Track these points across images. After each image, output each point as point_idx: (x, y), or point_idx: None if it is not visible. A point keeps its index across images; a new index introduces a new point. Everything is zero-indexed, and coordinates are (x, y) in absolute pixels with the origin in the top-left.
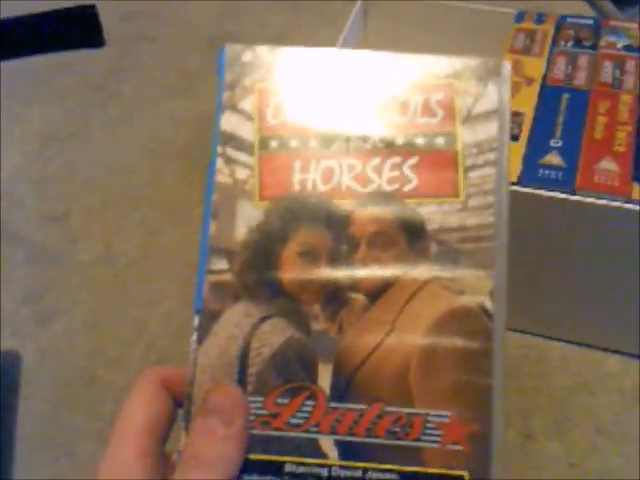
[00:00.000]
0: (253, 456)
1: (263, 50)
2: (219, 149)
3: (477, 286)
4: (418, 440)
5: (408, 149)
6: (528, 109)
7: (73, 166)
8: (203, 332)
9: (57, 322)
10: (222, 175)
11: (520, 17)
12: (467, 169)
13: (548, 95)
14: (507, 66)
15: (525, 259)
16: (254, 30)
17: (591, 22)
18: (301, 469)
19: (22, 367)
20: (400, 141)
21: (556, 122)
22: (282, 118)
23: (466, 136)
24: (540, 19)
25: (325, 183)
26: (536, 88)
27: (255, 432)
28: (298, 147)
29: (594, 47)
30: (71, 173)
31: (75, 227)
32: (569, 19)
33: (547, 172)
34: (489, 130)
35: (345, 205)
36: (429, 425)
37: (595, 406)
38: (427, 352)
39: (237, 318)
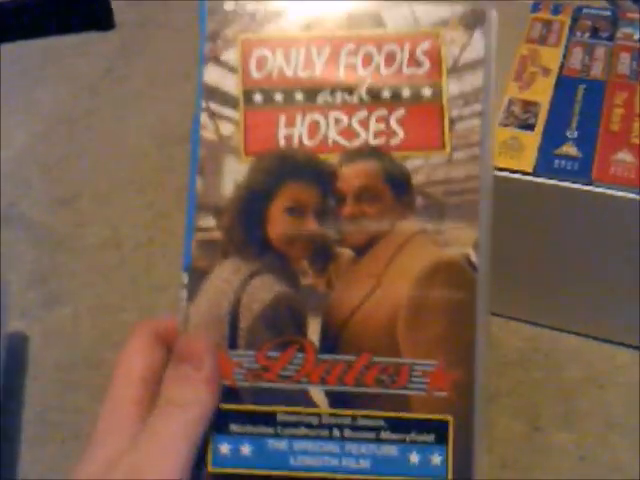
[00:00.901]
0: (246, 407)
1: (246, 2)
2: (202, 103)
3: (462, 238)
4: (405, 388)
5: (394, 101)
6: (544, 99)
7: (81, 149)
8: (193, 289)
9: (64, 305)
10: (207, 131)
11: (536, 7)
12: (453, 121)
13: (564, 85)
14: (494, 13)
15: (538, 250)
16: None
17: (608, 13)
18: (293, 418)
19: (29, 349)
20: (386, 93)
21: (572, 113)
22: (266, 70)
23: (452, 87)
24: (557, 9)
25: (311, 138)
26: (552, 78)
27: (248, 384)
28: (283, 101)
29: (611, 38)
30: (79, 156)
31: (82, 211)
32: (586, 10)
33: (563, 163)
34: (475, 80)
35: (331, 160)
36: (415, 373)
37: (605, 399)
38: (414, 304)
39: (226, 275)
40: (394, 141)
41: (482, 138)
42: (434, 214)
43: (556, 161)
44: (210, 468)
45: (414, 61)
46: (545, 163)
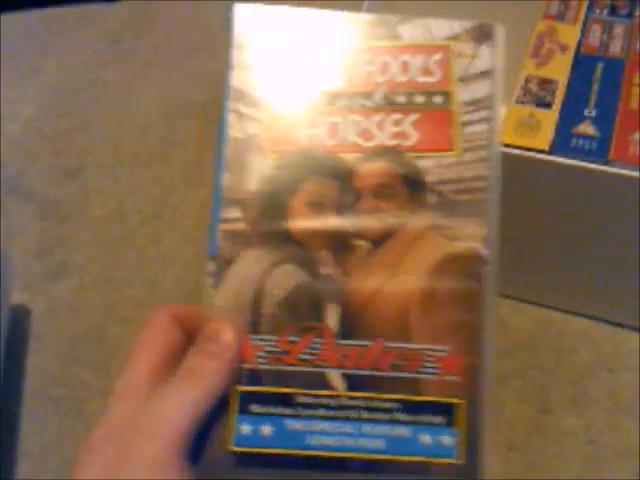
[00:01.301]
0: (267, 389)
1: (272, 9)
2: (230, 105)
3: (472, 233)
4: (418, 372)
5: (409, 107)
6: (562, 77)
7: (87, 120)
8: (218, 277)
9: (68, 278)
10: (234, 130)
11: None
12: (462, 125)
13: (582, 63)
14: (500, 29)
15: (551, 230)
16: None
17: None
18: (311, 400)
19: (32, 322)
20: (401, 99)
21: (590, 91)
22: (290, 76)
23: (462, 94)
24: None
25: (331, 138)
26: (570, 55)
27: (269, 367)
28: (305, 104)
29: (630, 16)
30: (85, 128)
31: (88, 183)
32: None
33: (580, 142)
34: (483, 89)
35: (350, 159)
36: (428, 359)
37: (615, 383)
38: (426, 293)
39: (250, 264)
40: (408, 142)
41: (489, 142)
42: (445, 210)
43: (573, 140)
44: (232, 447)
45: (427, 70)
46: (562, 142)
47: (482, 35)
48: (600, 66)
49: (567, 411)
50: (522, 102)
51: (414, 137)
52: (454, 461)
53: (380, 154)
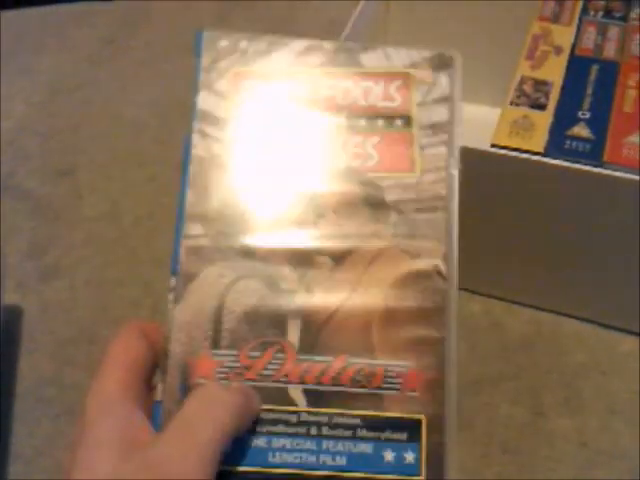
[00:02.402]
0: None
1: (239, 36)
2: (196, 125)
3: (432, 251)
4: (379, 388)
5: (370, 129)
6: (556, 78)
7: (80, 119)
8: (179, 292)
9: (61, 278)
10: (198, 149)
11: None
12: (422, 147)
13: (577, 65)
14: (459, 58)
15: (545, 232)
16: (258, 11)
17: None
18: (271, 415)
19: (24, 322)
20: (363, 122)
21: (585, 93)
22: (254, 100)
23: (421, 118)
24: None
25: (293, 159)
26: (565, 57)
27: (228, 383)
28: (268, 126)
29: (624, 19)
30: (78, 127)
31: (81, 182)
32: None
33: (574, 144)
34: (442, 114)
35: (313, 177)
36: (389, 374)
37: (608, 386)
38: (388, 310)
39: (212, 279)
40: (370, 163)
41: (448, 163)
42: (406, 228)
43: (567, 142)
44: None
45: (387, 96)
46: (556, 144)
47: (441, 64)
48: (594, 68)
49: (560, 413)
50: (516, 104)
51: (375, 158)
52: (417, 478)
53: (343, 174)
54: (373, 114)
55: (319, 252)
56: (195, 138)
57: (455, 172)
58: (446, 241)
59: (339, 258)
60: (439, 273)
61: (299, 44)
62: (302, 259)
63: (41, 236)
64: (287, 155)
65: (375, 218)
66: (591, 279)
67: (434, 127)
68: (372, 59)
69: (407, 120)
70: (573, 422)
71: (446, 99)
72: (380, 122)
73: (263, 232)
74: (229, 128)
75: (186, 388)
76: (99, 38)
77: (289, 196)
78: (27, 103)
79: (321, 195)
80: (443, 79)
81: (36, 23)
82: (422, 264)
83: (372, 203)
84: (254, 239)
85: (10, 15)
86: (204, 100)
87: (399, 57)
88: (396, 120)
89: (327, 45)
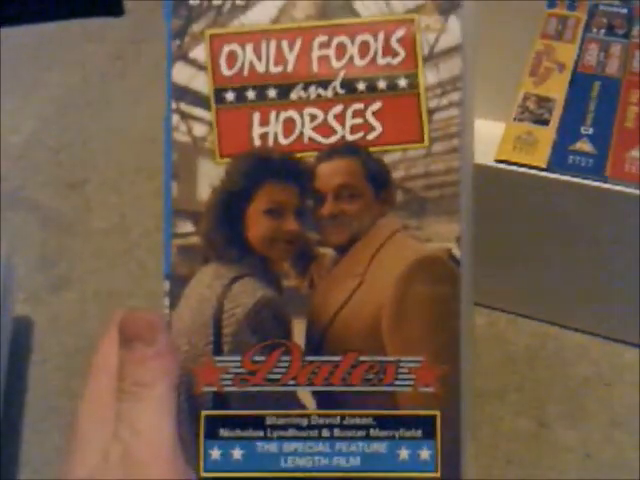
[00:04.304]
0: (234, 412)
1: None
2: (173, 104)
3: (444, 233)
4: (391, 385)
5: (370, 94)
6: (559, 95)
7: (90, 134)
8: (174, 297)
9: (70, 290)
10: (179, 133)
11: (552, 3)
12: (431, 111)
13: (580, 82)
14: None
15: (549, 246)
16: None
17: (624, 11)
18: (281, 421)
19: (34, 333)
20: (362, 86)
21: (587, 109)
22: (237, 67)
23: (429, 76)
24: (572, 5)
25: (287, 136)
26: (567, 74)
27: (235, 389)
28: (256, 98)
29: (626, 36)
30: (88, 141)
31: (91, 196)
32: (602, 6)
33: (577, 159)
34: (453, 68)
35: (309, 158)
36: (401, 370)
37: (612, 397)
38: (397, 301)
39: (208, 280)
40: (371, 135)
41: (461, 129)
42: (415, 209)
43: (570, 157)
44: (202, 474)
45: (389, 50)
46: (559, 159)
47: (449, 6)
48: (597, 85)
49: (564, 425)
50: (520, 119)
51: (378, 129)
52: (433, 475)
53: (341, 151)
54: (373, 74)
55: (321, 243)
56: (174, 119)
57: (470, 138)
58: (460, 221)
59: (343, 249)
60: (452, 257)
61: None
62: (303, 252)
63: (51, 248)
64: (279, 132)
65: (380, 200)
66: (594, 292)
67: (444, 85)
68: (369, 6)
69: (412, 79)
70: (577, 434)
71: (458, 49)
72: (381, 84)
73: (259, 225)
74: (211, 105)
75: (192, 398)
76: (109, 53)
77: (284, 181)
78: (37, 118)
79: (319, 178)
80: (453, 24)
81: (46, 39)
82: (433, 249)
83: (376, 183)
84: (249, 233)
85: (20, 31)
86: (179, 72)
87: (401, 1)
88: (400, 80)
89: None
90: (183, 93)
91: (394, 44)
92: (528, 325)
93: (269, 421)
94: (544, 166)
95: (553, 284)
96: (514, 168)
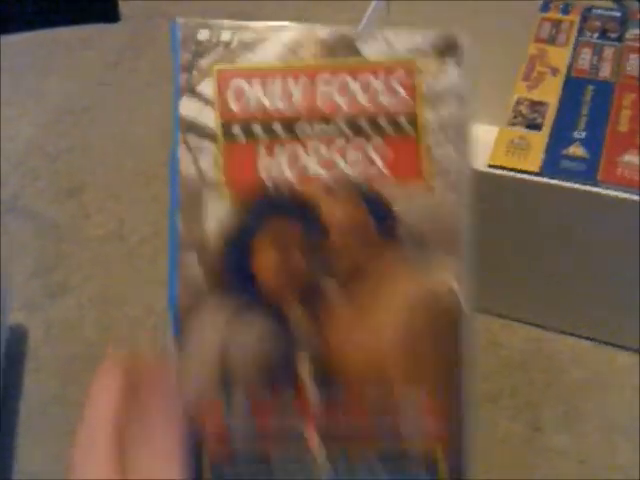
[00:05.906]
0: (239, 447)
1: (219, 27)
2: (180, 137)
3: (444, 266)
4: (395, 416)
5: (372, 130)
6: (552, 99)
7: (88, 141)
8: (179, 328)
9: (67, 297)
10: (185, 165)
11: (546, 6)
12: (429, 148)
13: (573, 86)
14: (466, 40)
15: (542, 251)
16: (273, 9)
17: (617, 14)
18: (289, 466)
19: (30, 341)
20: (363, 122)
21: (580, 113)
22: (243, 102)
23: (427, 115)
24: (566, 9)
25: (291, 170)
26: (561, 78)
27: (240, 426)
28: (262, 133)
29: (620, 39)
30: (85, 148)
31: (88, 202)
32: (595, 10)
33: (570, 163)
34: (450, 107)
35: (313, 192)
36: (406, 402)
37: (606, 402)
38: (399, 335)
39: (212, 313)
40: (373, 171)
41: (458, 165)
42: (416, 243)
43: (563, 161)
44: None
45: (389, 90)
46: (552, 163)
47: (446, 49)
48: (590, 89)
49: (558, 430)
50: (513, 124)
51: (378, 164)
52: None
53: (344, 185)
54: (374, 113)
55: (326, 276)
56: (181, 152)
57: (468, 174)
58: (459, 254)
59: (347, 281)
60: (452, 292)
61: (289, 33)
62: (308, 286)
63: (48, 255)
64: (283, 165)
65: (382, 234)
66: (589, 296)
67: (442, 123)
68: (371, 47)
69: (412, 118)
70: (571, 438)
71: (454, 90)
72: (382, 121)
73: (264, 259)
74: (219, 139)
75: (199, 445)
76: (105, 60)
77: (289, 215)
78: (35, 124)
79: (323, 212)
80: (450, 66)
81: (43, 46)
82: (434, 283)
83: (378, 217)
84: (255, 266)
85: (17, 38)
86: (186, 106)
87: (401, 43)
88: (400, 118)
89: (320, 32)
90: (190, 126)
91: (394, 84)
92: (522, 330)
93: (274, 456)
94: (537, 171)
95: (547, 288)
96: (507, 173)
